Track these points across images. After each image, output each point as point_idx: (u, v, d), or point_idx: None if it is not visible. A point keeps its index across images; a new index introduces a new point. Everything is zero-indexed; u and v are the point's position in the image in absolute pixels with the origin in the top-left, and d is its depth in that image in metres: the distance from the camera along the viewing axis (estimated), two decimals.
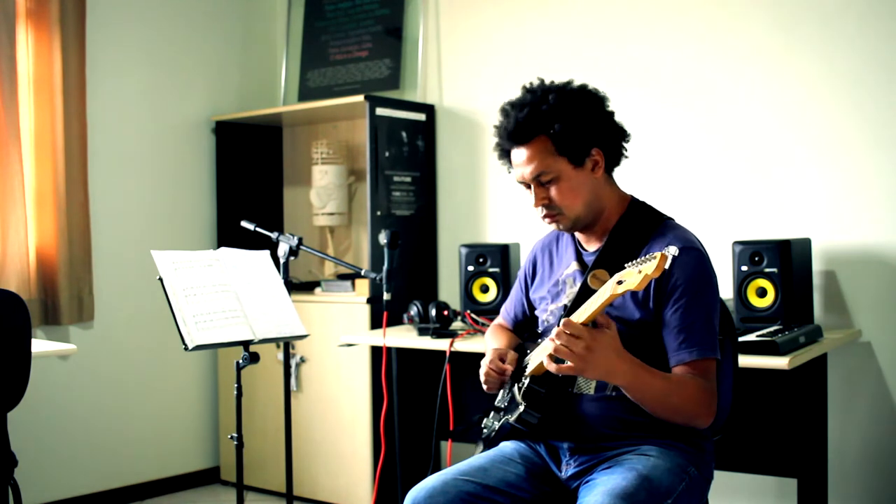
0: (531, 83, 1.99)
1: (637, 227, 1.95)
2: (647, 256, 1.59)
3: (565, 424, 1.92)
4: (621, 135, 1.99)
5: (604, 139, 1.95)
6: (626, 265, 1.64)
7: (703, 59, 3.22)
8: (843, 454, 2.95)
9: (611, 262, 1.88)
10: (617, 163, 2.00)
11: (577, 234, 2.04)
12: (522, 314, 2.22)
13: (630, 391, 1.78)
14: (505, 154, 2.01)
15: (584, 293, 1.86)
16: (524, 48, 3.66)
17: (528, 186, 1.96)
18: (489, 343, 2.22)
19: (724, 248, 2.97)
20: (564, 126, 1.88)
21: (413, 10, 3.99)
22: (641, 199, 2.04)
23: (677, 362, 1.82)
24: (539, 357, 1.87)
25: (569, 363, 1.70)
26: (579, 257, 2.02)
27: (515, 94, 2.00)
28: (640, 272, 1.59)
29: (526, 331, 2.24)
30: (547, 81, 1.98)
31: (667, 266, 1.56)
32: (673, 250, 1.56)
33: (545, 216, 1.96)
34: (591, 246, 2.01)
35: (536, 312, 2.12)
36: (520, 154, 1.94)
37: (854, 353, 2.94)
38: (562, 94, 1.92)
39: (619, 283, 1.62)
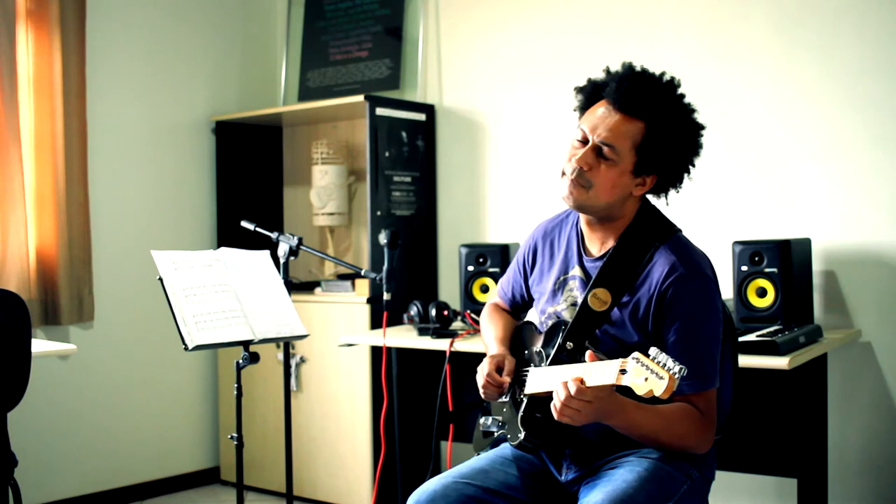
0: (673, 77, 1.89)
1: (643, 238, 1.88)
2: (660, 364, 1.53)
3: (563, 438, 1.91)
4: (679, 182, 1.92)
5: (668, 174, 1.88)
6: (640, 361, 1.56)
7: (704, 59, 3.22)
8: (843, 454, 2.95)
9: (612, 278, 1.85)
10: (656, 195, 1.94)
11: (583, 228, 1.97)
12: (521, 297, 2.17)
13: (621, 430, 1.77)
14: (591, 99, 1.91)
15: (584, 311, 1.85)
16: (524, 48, 3.66)
17: (584, 143, 1.85)
18: (485, 333, 2.17)
19: (724, 248, 2.97)
20: (664, 137, 1.82)
21: (413, 10, 3.99)
22: (654, 203, 1.98)
23: (677, 394, 1.76)
24: (540, 386, 1.84)
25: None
26: (581, 262, 1.96)
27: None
28: (646, 380, 1.54)
29: (522, 312, 2.21)
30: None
31: (675, 388, 1.52)
32: (683, 372, 1.51)
33: (571, 177, 1.85)
34: (595, 249, 1.94)
35: (534, 308, 2.09)
36: (611, 115, 1.83)
37: (854, 353, 2.94)
38: (687, 113, 1.86)
39: (623, 372, 1.59)
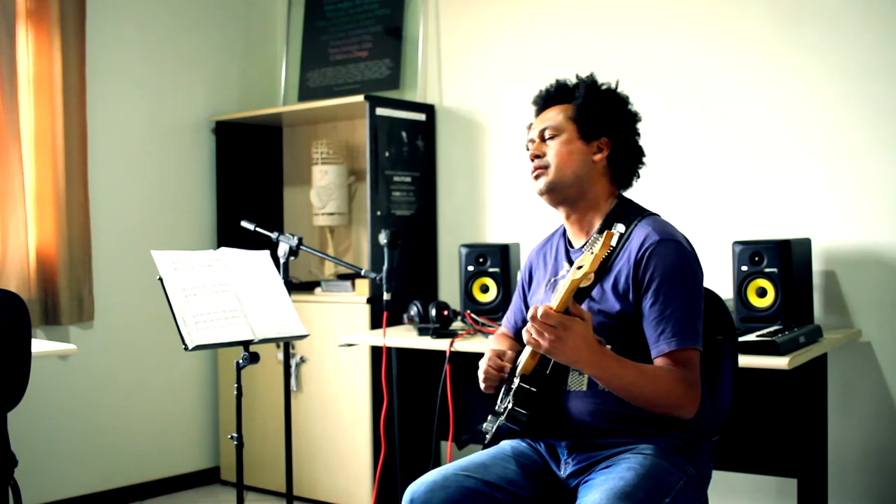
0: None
1: (621, 221, 1.97)
2: (596, 241, 1.69)
3: (559, 422, 1.92)
4: (634, 142, 2.04)
5: (617, 133, 2.00)
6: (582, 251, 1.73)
7: (704, 58, 3.22)
8: (843, 454, 2.95)
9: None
10: (624, 175, 2.03)
11: (568, 229, 2.06)
12: (523, 321, 2.21)
13: (600, 381, 1.80)
14: (532, 127, 2.09)
15: None
16: (524, 48, 3.66)
17: (533, 142, 2.05)
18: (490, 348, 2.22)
19: (724, 248, 2.97)
20: (592, 102, 1.99)
21: (413, 10, 3.99)
22: (629, 197, 2.07)
23: (657, 353, 1.83)
24: (525, 354, 1.88)
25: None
26: (568, 256, 2.04)
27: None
28: (591, 253, 1.67)
29: None
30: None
31: (613, 243, 1.66)
32: (620, 228, 1.67)
33: (533, 169, 2.02)
34: (579, 241, 2.04)
35: None
36: (541, 116, 2.06)
37: (854, 353, 2.94)
38: (599, 84, 2.04)
39: (579, 268, 1.70)
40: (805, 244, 2.89)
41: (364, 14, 4.13)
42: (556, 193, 1.99)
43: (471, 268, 3.37)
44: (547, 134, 2.01)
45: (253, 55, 4.43)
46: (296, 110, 3.98)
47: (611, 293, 1.89)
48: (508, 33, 3.71)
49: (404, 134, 3.77)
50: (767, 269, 2.74)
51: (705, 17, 3.23)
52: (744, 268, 2.78)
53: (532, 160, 2.02)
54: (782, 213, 3.07)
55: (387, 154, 3.69)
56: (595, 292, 1.92)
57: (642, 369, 1.81)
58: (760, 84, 3.11)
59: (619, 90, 2.06)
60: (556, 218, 2.10)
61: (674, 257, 1.86)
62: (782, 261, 2.72)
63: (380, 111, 3.66)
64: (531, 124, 2.09)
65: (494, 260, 3.34)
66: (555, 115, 2.03)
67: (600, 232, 1.95)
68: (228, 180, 4.25)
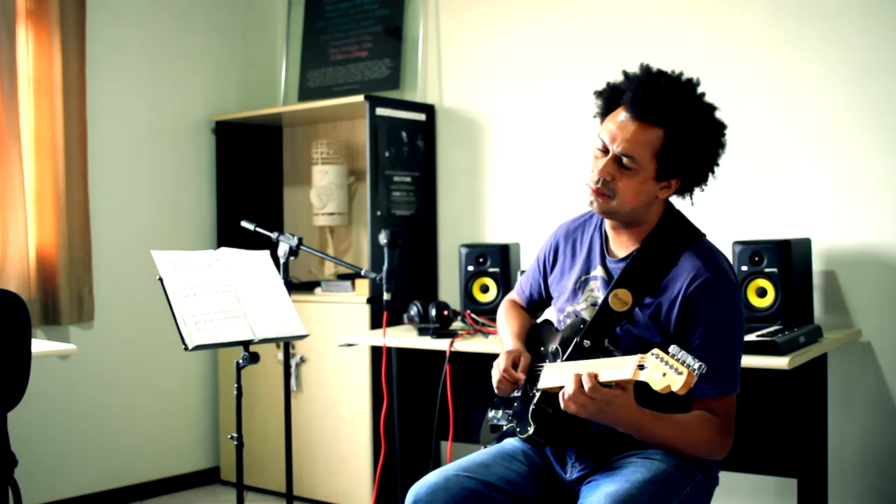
0: (692, 77, 1.88)
1: (667, 242, 1.89)
2: (679, 361, 1.54)
3: (575, 434, 1.91)
4: (703, 182, 1.92)
5: (693, 177, 1.89)
6: (659, 357, 1.58)
7: (704, 58, 3.22)
8: (843, 454, 2.95)
9: (635, 280, 1.86)
10: (682, 196, 1.95)
11: (608, 230, 1.98)
12: (538, 295, 2.18)
13: (636, 437, 1.78)
14: (610, 103, 1.91)
15: (604, 310, 1.86)
16: (524, 48, 3.66)
17: (605, 151, 1.86)
18: (501, 329, 2.18)
19: (725, 248, 2.96)
20: (684, 142, 1.82)
21: (413, 10, 3.99)
22: (678, 208, 1.99)
23: (698, 397, 1.79)
24: (554, 381, 1.84)
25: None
26: (604, 262, 1.96)
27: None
28: (664, 375, 1.55)
29: (539, 310, 2.22)
30: (703, 81, 1.89)
31: (692, 385, 1.53)
32: (702, 370, 1.52)
33: (594, 188, 1.86)
34: (620, 251, 1.95)
35: (552, 304, 2.09)
36: (629, 124, 1.83)
37: (854, 353, 2.94)
38: (707, 114, 1.85)
39: (641, 367, 1.60)
40: (805, 244, 2.89)
41: (364, 14, 4.13)
42: (610, 216, 1.92)
43: (471, 268, 3.37)
44: (625, 161, 1.82)
45: (253, 55, 4.43)
46: (296, 110, 3.98)
47: (651, 324, 1.84)
48: (508, 33, 3.71)
49: (404, 134, 3.77)
50: (767, 269, 2.74)
51: (705, 17, 3.23)
52: (744, 268, 2.78)
53: (596, 175, 1.85)
54: (782, 213, 3.07)
55: (387, 154, 3.69)
56: (636, 315, 1.86)
57: (679, 423, 1.78)
58: (760, 84, 3.11)
59: (716, 110, 1.86)
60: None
61: (724, 300, 1.80)
62: (782, 261, 2.72)
63: (380, 111, 3.66)
64: (610, 118, 1.87)
65: (494, 260, 3.34)
66: (643, 147, 1.81)
67: (643, 251, 1.87)
68: (228, 180, 4.25)
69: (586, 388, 1.65)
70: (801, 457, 2.71)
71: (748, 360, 2.39)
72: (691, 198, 1.96)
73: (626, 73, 1.92)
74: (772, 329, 2.64)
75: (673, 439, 1.77)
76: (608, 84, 1.93)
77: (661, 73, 1.88)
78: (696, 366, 1.52)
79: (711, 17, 3.21)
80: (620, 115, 1.86)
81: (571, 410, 1.68)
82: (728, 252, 2.89)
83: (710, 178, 1.92)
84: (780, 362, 2.37)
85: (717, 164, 1.91)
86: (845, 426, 2.95)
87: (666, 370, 1.55)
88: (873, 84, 2.90)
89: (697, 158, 1.86)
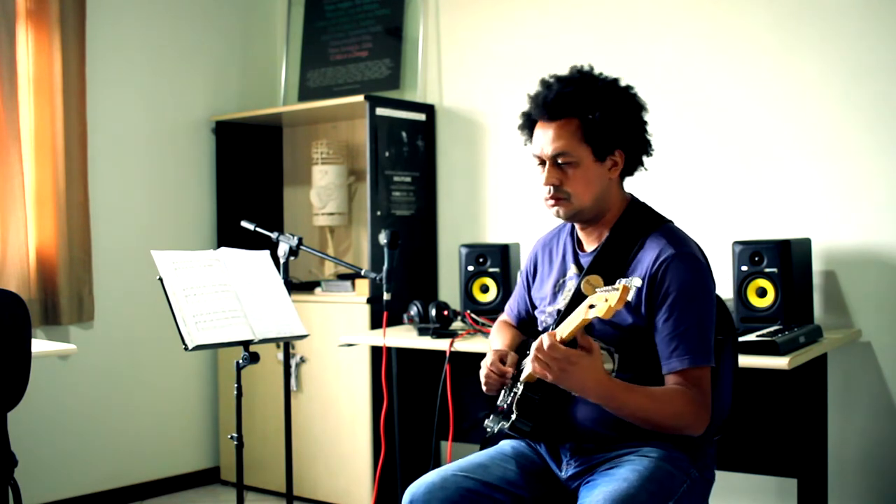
0: (581, 66, 1.98)
1: (634, 229, 1.94)
2: (615, 285, 1.61)
3: (564, 428, 1.92)
4: (647, 146, 1.98)
5: (631, 143, 1.95)
6: (597, 290, 1.67)
7: (704, 58, 3.22)
8: (843, 454, 2.95)
9: (605, 266, 1.89)
10: (632, 172, 2.00)
11: (578, 232, 2.03)
12: (526, 312, 2.21)
13: (607, 408, 1.79)
14: (528, 125, 2.00)
15: (578, 298, 1.87)
16: (524, 48, 3.66)
17: (543, 164, 1.94)
18: (493, 341, 2.21)
19: (724, 248, 2.97)
20: (602, 116, 1.88)
21: (413, 10, 3.99)
22: (642, 199, 2.03)
23: (669, 371, 1.81)
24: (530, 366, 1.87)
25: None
26: (576, 259, 2.01)
27: (515, 93, 2.00)
28: (605, 301, 1.62)
29: (531, 328, 2.23)
30: (597, 70, 1.97)
31: (629, 297, 1.61)
32: (636, 282, 1.60)
33: (550, 198, 1.93)
34: (589, 245, 2.00)
35: (536, 312, 2.11)
36: (547, 129, 1.92)
37: (854, 353, 2.94)
38: (609, 86, 1.93)
39: (591, 307, 1.66)
40: (805, 244, 2.89)
41: (364, 14, 4.13)
42: (579, 218, 1.96)
43: (471, 268, 3.37)
44: (560, 160, 1.90)
45: (253, 55, 4.43)
46: (296, 110, 3.98)
47: (623, 307, 1.85)
48: (508, 33, 3.71)
49: (404, 134, 3.77)
50: (767, 269, 2.74)
51: (705, 17, 3.23)
52: (744, 268, 2.78)
53: (545, 185, 1.92)
54: (782, 213, 3.07)
55: (387, 154, 3.69)
56: None
57: (651, 394, 1.79)
58: (760, 84, 3.11)
59: (619, 83, 1.95)
60: (557, 219, 2.09)
61: (689, 273, 1.83)
62: (782, 261, 2.72)
63: (380, 111, 3.66)
64: (534, 135, 1.97)
65: (494, 260, 3.34)
66: (567, 139, 1.89)
67: (610, 239, 1.93)
68: (228, 180, 4.25)
69: (545, 345, 1.70)
70: (801, 457, 2.71)
71: (749, 361, 2.40)
72: (644, 168, 2.01)
73: (528, 95, 2.00)
74: (772, 329, 2.64)
75: (643, 410, 1.77)
76: (521, 113, 2.03)
77: (555, 76, 1.97)
78: (627, 280, 1.60)
79: (711, 17, 3.21)
80: (537, 128, 1.96)
81: (537, 372, 1.73)
82: (728, 252, 2.89)
83: (650, 141, 1.99)
84: (780, 362, 2.37)
85: (647, 123, 1.98)
86: (845, 426, 2.95)
87: (607, 295, 1.63)
88: (873, 84, 2.90)
89: (621, 124, 1.91)
